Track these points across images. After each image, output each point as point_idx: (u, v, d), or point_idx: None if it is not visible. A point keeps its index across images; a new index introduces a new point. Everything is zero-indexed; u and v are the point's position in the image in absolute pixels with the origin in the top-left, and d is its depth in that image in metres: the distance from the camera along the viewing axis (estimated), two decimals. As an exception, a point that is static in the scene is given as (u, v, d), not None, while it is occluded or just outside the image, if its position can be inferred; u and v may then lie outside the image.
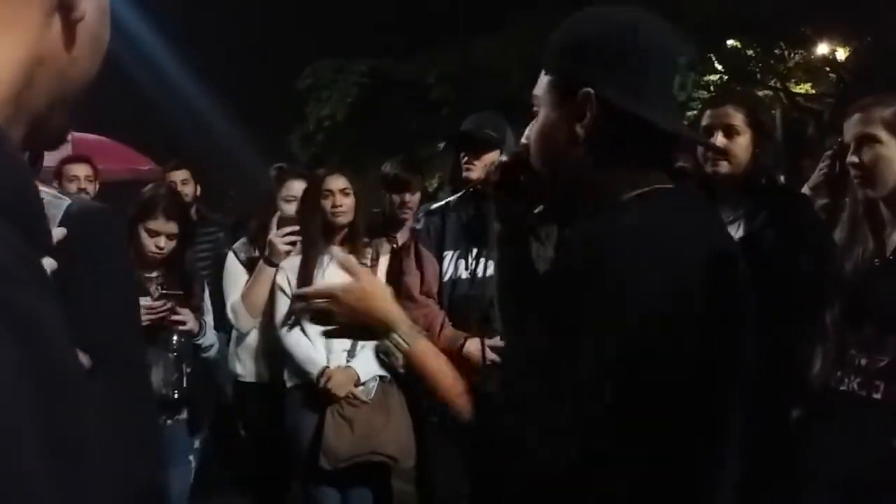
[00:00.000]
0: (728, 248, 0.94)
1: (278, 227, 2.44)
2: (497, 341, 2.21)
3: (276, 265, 2.44)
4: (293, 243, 2.43)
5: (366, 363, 2.40)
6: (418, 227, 2.47)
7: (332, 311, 1.01)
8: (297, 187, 2.63)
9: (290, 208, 2.59)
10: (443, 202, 2.45)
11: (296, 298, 1.44)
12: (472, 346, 2.22)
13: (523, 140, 1.02)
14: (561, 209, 1.09)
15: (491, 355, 2.21)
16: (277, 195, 2.69)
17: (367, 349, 2.41)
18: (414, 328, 1.01)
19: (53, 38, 0.51)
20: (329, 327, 1.04)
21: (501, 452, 0.85)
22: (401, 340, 0.98)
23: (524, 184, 1.05)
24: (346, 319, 1.01)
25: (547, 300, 0.90)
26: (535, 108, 0.96)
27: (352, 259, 1.18)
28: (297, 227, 2.42)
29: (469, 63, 10.35)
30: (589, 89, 0.87)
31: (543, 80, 0.95)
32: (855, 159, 1.59)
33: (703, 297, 0.82)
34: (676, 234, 0.85)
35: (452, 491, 2.39)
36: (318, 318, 1.04)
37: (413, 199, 2.75)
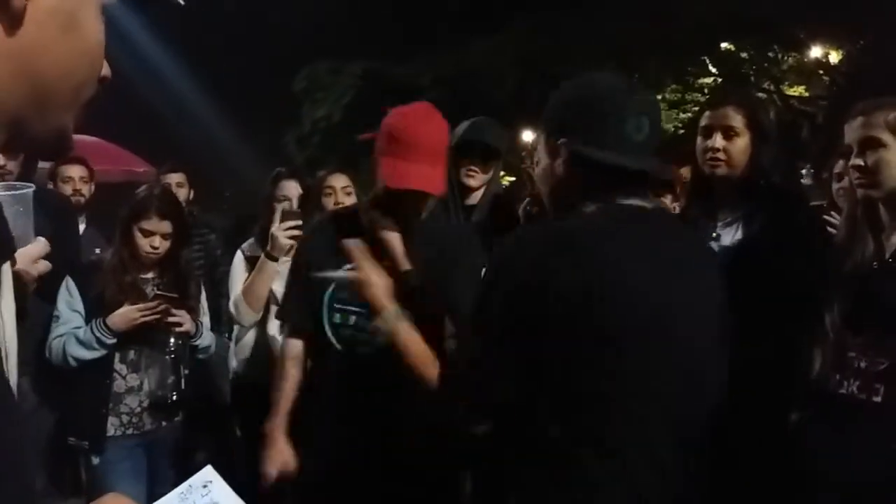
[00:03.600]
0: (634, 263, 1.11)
1: (281, 221, 2.43)
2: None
3: (277, 259, 2.42)
4: (295, 237, 2.42)
5: None
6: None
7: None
8: (290, 187, 2.63)
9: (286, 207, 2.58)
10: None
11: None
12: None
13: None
14: None
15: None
16: (273, 195, 2.69)
17: None
18: (399, 313, 1.34)
19: (4, 36, 0.48)
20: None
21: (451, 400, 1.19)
22: (385, 320, 1.34)
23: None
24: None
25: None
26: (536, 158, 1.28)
27: (364, 250, 1.46)
28: (299, 222, 2.41)
29: (464, 66, 10.36)
30: (561, 141, 1.17)
31: (540, 136, 1.25)
32: (859, 162, 1.59)
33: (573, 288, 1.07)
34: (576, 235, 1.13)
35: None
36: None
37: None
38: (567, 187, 1.18)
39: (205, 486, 0.74)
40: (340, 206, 2.43)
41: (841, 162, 2.47)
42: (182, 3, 0.62)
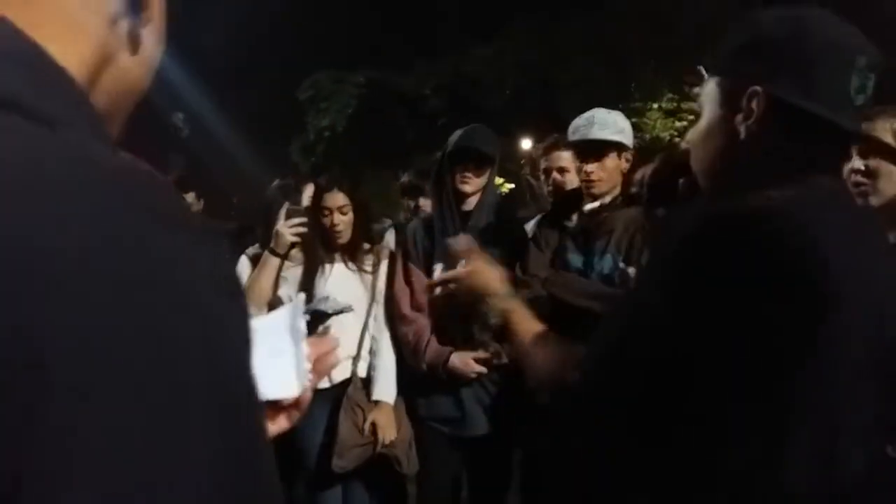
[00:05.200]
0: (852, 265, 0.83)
1: (286, 219, 2.47)
2: (481, 354, 2.26)
3: (280, 255, 2.44)
4: (300, 234, 2.46)
5: (387, 383, 2.43)
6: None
7: (457, 292, 1.33)
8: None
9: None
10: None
11: (428, 289, 1.65)
12: (457, 359, 2.27)
13: (684, 145, 1.02)
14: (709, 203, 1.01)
15: (477, 368, 2.27)
16: (299, 200, 2.77)
17: (383, 366, 2.44)
18: (509, 293, 1.25)
19: (119, 39, 0.51)
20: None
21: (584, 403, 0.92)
22: (497, 302, 1.23)
23: (679, 186, 1.04)
24: (464, 296, 1.32)
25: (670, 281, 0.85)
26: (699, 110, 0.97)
27: (466, 243, 1.47)
28: (304, 219, 2.44)
29: (464, 74, 10.43)
30: (756, 87, 0.87)
31: (710, 82, 0.95)
32: (860, 166, 1.60)
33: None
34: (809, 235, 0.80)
35: (451, 498, 2.44)
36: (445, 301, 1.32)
37: (428, 203, 2.87)
38: (755, 155, 0.87)
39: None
40: (336, 227, 2.44)
41: None
42: None
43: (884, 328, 0.83)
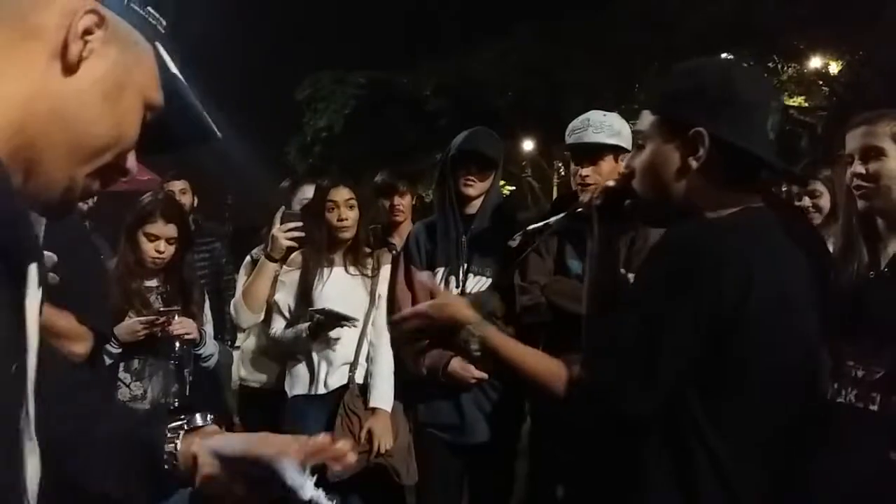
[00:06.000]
0: (803, 260, 1.09)
1: (282, 223, 2.44)
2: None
3: (277, 260, 2.43)
4: (295, 239, 2.42)
5: (384, 387, 2.39)
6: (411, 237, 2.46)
7: (425, 326, 1.40)
8: (308, 192, 2.66)
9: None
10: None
11: (393, 325, 1.69)
12: (457, 364, 2.23)
13: (624, 169, 1.23)
14: (658, 220, 1.27)
15: (477, 373, 2.22)
16: (292, 200, 2.73)
17: (381, 373, 2.39)
18: (481, 319, 1.36)
19: (56, 82, 0.56)
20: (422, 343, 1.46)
21: (600, 402, 1.10)
22: (473, 329, 1.33)
23: (625, 207, 1.25)
24: (434, 329, 1.43)
25: (642, 290, 1.11)
26: (639, 142, 1.16)
27: (433, 279, 1.52)
28: (300, 224, 2.42)
29: (466, 75, 10.40)
30: (700, 129, 1.06)
31: (649, 118, 1.14)
32: (861, 170, 1.61)
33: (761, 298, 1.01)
34: (753, 245, 1.04)
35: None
36: (413, 335, 1.45)
37: (403, 201, 2.87)
38: (697, 182, 1.09)
39: None
40: (343, 221, 2.43)
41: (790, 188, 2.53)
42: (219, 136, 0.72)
43: (791, 316, 1.06)
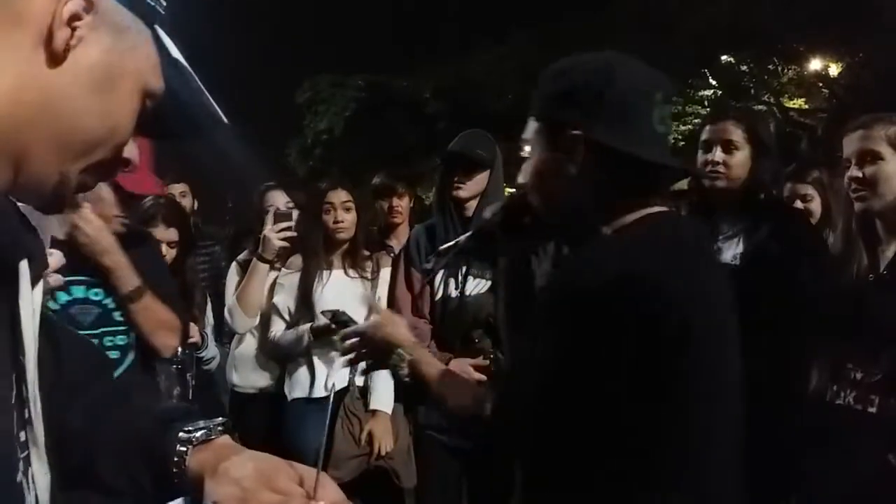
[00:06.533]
0: (704, 265, 1.02)
1: (274, 223, 2.43)
2: (480, 360, 2.22)
3: (269, 261, 2.42)
4: (288, 239, 2.42)
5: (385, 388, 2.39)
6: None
7: (363, 348, 1.29)
8: (276, 197, 2.65)
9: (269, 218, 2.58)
10: (453, 243, 2.40)
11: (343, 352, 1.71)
12: (456, 366, 2.22)
13: (519, 181, 1.12)
14: (560, 234, 1.19)
15: (476, 375, 2.22)
16: (261, 207, 2.71)
17: (381, 375, 2.39)
18: (416, 343, 1.24)
19: (41, 73, 0.52)
20: (352, 357, 1.33)
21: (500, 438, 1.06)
22: (404, 353, 1.20)
23: (527, 222, 1.18)
24: (370, 351, 1.28)
25: (546, 313, 1.03)
26: (522, 154, 1.08)
27: (373, 298, 1.41)
28: (292, 223, 2.42)
29: (465, 78, 10.41)
30: (577, 132, 0.97)
31: (532, 125, 1.05)
32: (858, 174, 1.62)
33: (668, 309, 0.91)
34: (654, 257, 0.95)
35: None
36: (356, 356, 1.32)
37: (401, 202, 2.85)
38: (583, 191, 1.00)
39: None
40: (339, 223, 2.43)
41: (789, 185, 2.53)
42: (226, 122, 0.67)
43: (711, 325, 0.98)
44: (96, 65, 0.54)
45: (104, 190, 1.66)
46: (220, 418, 0.74)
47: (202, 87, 0.66)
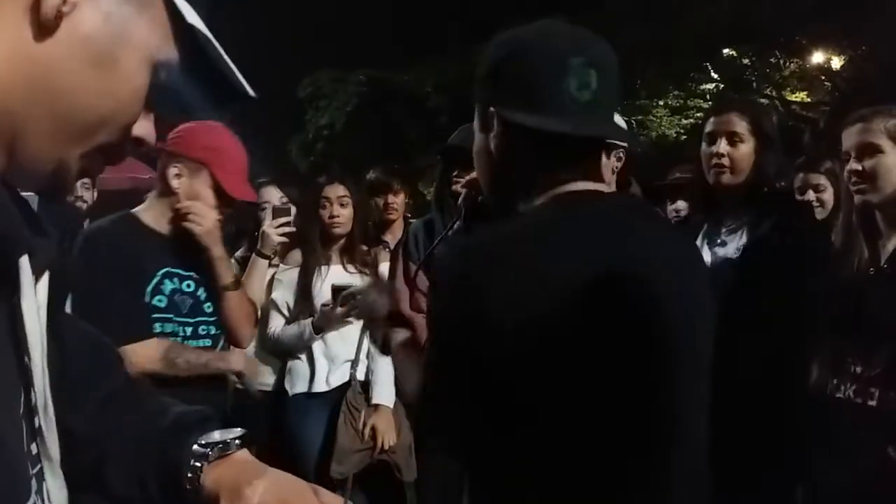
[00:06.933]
0: (610, 256, 0.89)
1: (273, 218, 2.43)
2: None
3: (268, 257, 2.42)
4: (287, 234, 2.42)
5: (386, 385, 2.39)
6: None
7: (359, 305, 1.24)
8: (270, 193, 2.65)
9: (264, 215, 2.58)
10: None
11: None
12: None
13: None
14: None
15: None
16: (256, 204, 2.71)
17: (382, 370, 2.39)
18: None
19: (31, 45, 0.46)
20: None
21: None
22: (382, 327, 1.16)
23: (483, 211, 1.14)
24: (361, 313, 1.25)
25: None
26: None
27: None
28: (290, 218, 2.42)
29: (466, 72, 10.40)
30: (491, 108, 0.94)
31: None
32: (857, 167, 1.61)
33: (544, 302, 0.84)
34: (533, 240, 0.89)
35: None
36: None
37: (396, 199, 2.83)
38: (503, 170, 0.96)
39: None
40: (335, 218, 2.42)
41: (801, 175, 2.52)
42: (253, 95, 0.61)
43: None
44: (94, 35, 0.48)
45: (204, 189, 1.72)
46: (238, 430, 0.69)
47: (224, 55, 0.58)
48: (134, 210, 1.79)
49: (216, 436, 0.67)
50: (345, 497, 0.65)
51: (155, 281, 1.69)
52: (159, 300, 1.69)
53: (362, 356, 2.43)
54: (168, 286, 1.71)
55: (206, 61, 0.57)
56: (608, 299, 0.85)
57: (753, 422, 1.62)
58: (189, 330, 1.74)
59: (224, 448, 0.67)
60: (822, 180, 2.49)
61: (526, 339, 0.83)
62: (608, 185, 0.97)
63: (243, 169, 1.81)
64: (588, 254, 0.87)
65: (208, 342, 1.78)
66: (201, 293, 1.78)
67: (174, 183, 1.71)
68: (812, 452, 1.64)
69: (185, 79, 0.56)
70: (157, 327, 1.69)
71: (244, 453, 0.68)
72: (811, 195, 2.47)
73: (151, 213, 1.75)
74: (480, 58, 0.99)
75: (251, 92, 0.60)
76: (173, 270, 1.72)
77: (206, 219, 1.71)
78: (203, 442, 0.67)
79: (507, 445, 0.88)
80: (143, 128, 0.56)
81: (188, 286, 1.75)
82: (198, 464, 0.65)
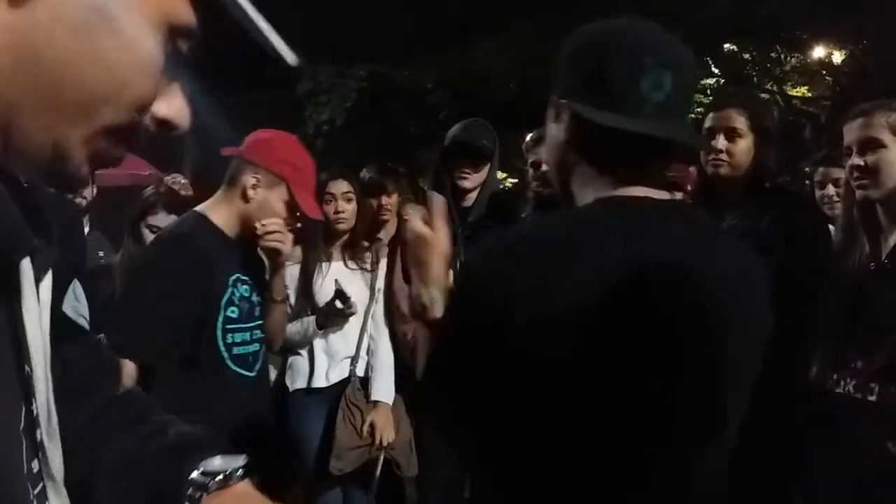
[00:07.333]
0: (649, 265, 0.86)
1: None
2: None
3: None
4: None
5: (386, 382, 2.39)
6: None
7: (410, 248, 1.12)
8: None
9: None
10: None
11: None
12: None
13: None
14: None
15: None
16: None
17: (381, 366, 2.39)
18: (442, 287, 1.06)
19: (7, 13, 0.40)
20: None
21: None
22: (429, 291, 1.05)
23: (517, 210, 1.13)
24: (410, 260, 1.11)
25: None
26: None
27: (441, 205, 1.18)
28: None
29: (467, 68, 10.38)
30: (563, 101, 0.94)
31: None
32: (859, 162, 1.61)
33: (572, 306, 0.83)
34: (564, 242, 0.86)
35: (451, 500, 2.40)
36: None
37: (390, 201, 2.80)
38: (567, 161, 0.96)
39: None
40: (340, 214, 2.42)
41: (821, 170, 2.51)
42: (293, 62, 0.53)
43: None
44: (81, 2, 0.41)
45: (279, 204, 1.72)
46: (241, 458, 0.65)
47: (259, 17, 0.50)
48: (202, 209, 1.76)
49: (217, 462, 0.64)
50: None
51: (229, 292, 1.70)
52: (232, 311, 1.71)
53: (362, 352, 2.43)
54: (237, 293, 1.74)
55: (233, 26, 0.49)
56: (619, 307, 0.84)
57: (753, 417, 1.62)
58: (247, 336, 1.76)
59: (225, 480, 0.63)
60: (843, 174, 2.48)
61: (538, 338, 0.83)
62: (666, 192, 0.94)
63: (315, 187, 1.84)
64: (606, 259, 0.85)
65: (256, 346, 1.80)
66: (255, 298, 1.80)
67: (251, 193, 1.70)
68: (812, 447, 1.64)
69: (209, 48, 0.48)
70: (230, 338, 1.70)
71: (245, 485, 0.65)
72: (831, 190, 2.46)
73: (220, 216, 1.73)
74: (562, 47, 0.97)
75: (292, 59, 0.52)
76: (242, 277, 1.75)
77: (287, 239, 1.74)
78: (203, 470, 0.63)
79: (511, 439, 0.87)
80: (171, 107, 0.47)
81: (246, 291, 1.78)
82: (196, 494, 0.62)
